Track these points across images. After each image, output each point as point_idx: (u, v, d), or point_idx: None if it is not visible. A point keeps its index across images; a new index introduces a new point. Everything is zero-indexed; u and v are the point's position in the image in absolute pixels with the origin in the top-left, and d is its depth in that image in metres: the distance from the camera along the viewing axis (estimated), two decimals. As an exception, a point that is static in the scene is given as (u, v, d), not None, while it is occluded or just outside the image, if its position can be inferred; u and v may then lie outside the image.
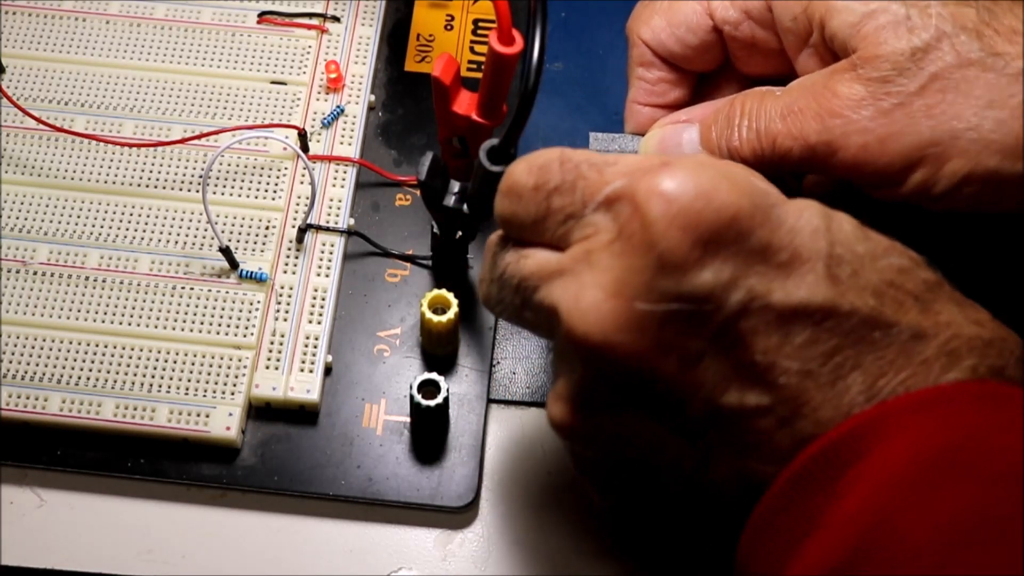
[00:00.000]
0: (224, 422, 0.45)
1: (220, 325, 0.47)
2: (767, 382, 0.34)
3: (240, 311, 0.47)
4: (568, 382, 0.36)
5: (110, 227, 0.49)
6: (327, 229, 0.49)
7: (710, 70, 0.46)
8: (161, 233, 0.49)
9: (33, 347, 0.46)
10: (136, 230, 0.49)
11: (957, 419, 0.33)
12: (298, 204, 0.50)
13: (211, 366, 0.46)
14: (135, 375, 0.46)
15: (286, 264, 0.48)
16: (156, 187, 0.50)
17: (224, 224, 0.49)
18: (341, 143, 0.51)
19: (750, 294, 0.33)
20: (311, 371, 0.47)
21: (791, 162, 0.41)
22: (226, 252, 0.47)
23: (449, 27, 0.55)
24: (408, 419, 0.46)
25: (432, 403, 0.44)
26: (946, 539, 0.30)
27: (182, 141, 0.50)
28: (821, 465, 0.33)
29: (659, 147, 0.44)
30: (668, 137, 0.44)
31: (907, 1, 0.40)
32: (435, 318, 0.45)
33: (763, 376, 0.34)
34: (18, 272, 0.48)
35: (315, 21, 0.53)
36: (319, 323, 0.47)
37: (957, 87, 0.39)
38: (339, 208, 0.50)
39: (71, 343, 0.46)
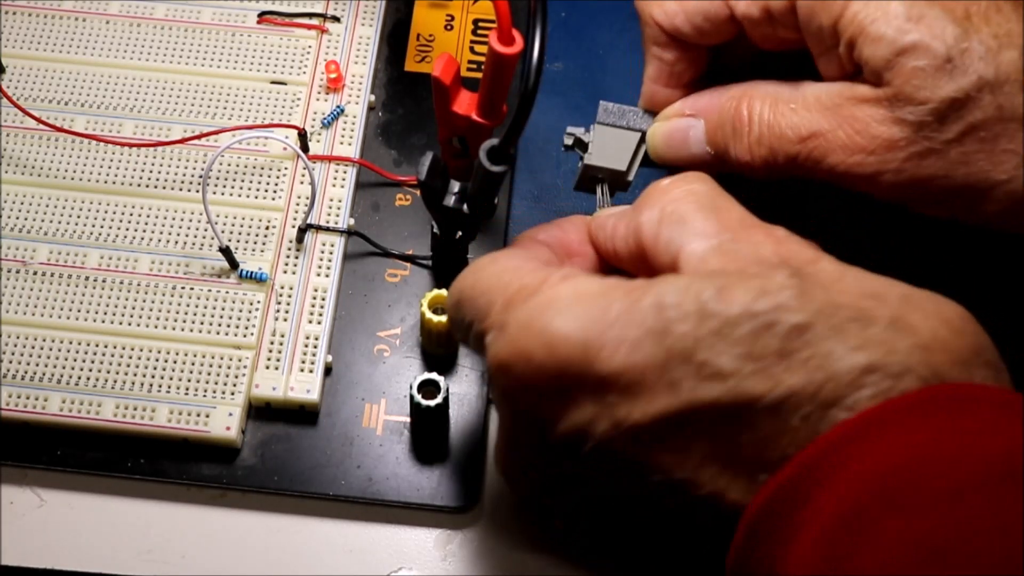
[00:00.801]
0: (224, 422, 0.45)
1: (220, 325, 0.47)
2: (668, 487, 0.34)
3: (240, 311, 0.47)
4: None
5: (110, 227, 0.49)
6: (327, 229, 0.49)
7: (725, 41, 0.45)
8: (161, 233, 0.49)
9: (33, 347, 0.46)
10: (136, 230, 0.49)
11: (879, 449, 0.31)
12: (298, 204, 0.50)
13: (211, 366, 0.46)
14: (135, 375, 0.46)
15: (286, 264, 0.48)
16: (156, 187, 0.50)
17: (224, 224, 0.49)
18: (341, 143, 0.51)
19: (611, 424, 0.34)
20: (311, 371, 0.47)
21: (810, 176, 0.40)
22: (226, 252, 0.47)
23: (449, 27, 0.55)
24: (408, 419, 0.46)
25: (432, 403, 0.44)
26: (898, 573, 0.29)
27: (182, 141, 0.50)
28: (759, 529, 0.32)
29: (665, 143, 0.44)
30: (674, 134, 0.44)
31: (948, 38, 0.37)
32: (435, 318, 0.45)
33: (662, 482, 0.34)
34: (18, 272, 0.48)
35: (315, 21, 0.53)
36: (319, 323, 0.47)
37: (996, 140, 0.38)
38: (339, 208, 0.50)
39: (71, 343, 0.46)
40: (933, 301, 0.33)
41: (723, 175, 0.41)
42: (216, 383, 0.46)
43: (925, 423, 0.31)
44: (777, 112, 0.40)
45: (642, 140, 0.46)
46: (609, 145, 0.46)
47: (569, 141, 0.47)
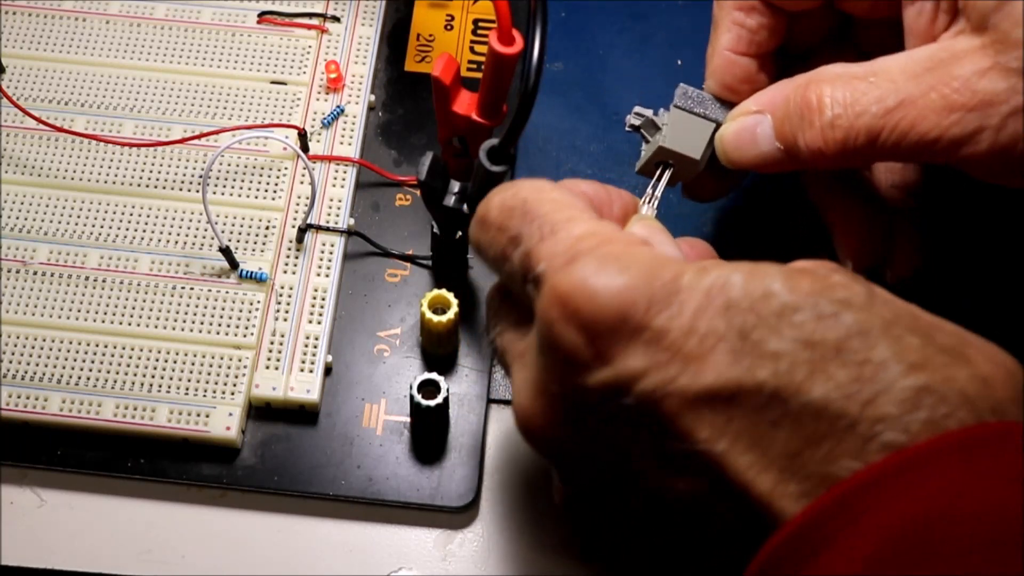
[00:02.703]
0: (224, 422, 0.45)
1: (220, 325, 0.47)
2: (693, 464, 0.33)
3: (240, 311, 0.47)
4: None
5: (110, 227, 0.49)
6: (327, 229, 0.49)
7: (808, 8, 0.43)
8: (161, 233, 0.49)
9: (33, 347, 0.46)
10: (136, 230, 0.49)
11: (921, 489, 0.30)
12: (298, 204, 0.50)
13: (211, 366, 0.46)
14: (135, 375, 0.46)
15: (286, 264, 0.48)
16: (156, 187, 0.50)
17: (224, 224, 0.49)
18: (341, 143, 0.51)
19: (656, 382, 0.33)
20: (311, 371, 0.47)
21: (888, 156, 0.38)
22: (226, 252, 0.47)
23: (449, 27, 0.55)
24: (408, 419, 0.46)
25: (432, 403, 0.44)
26: None
27: (182, 141, 0.50)
28: (786, 555, 0.31)
29: (734, 143, 0.42)
30: (742, 133, 0.42)
31: None
32: (435, 318, 0.45)
33: (689, 459, 0.33)
34: (18, 272, 0.48)
35: (315, 21, 0.53)
36: (319, 323, 0.47)
37: None
38: (339, 208, 0.50)
39: (71, 343, 0.46)
40: (987, 344, 0.33)
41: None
42: (216, 383, 0.46)
43: (982, 464, 0.30)
44: (854, 89, 0.38)
45: (715, 133, 0.44)
46: (685, 131, 0.44)
47: (636, 122, 0.45)
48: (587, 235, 0.35)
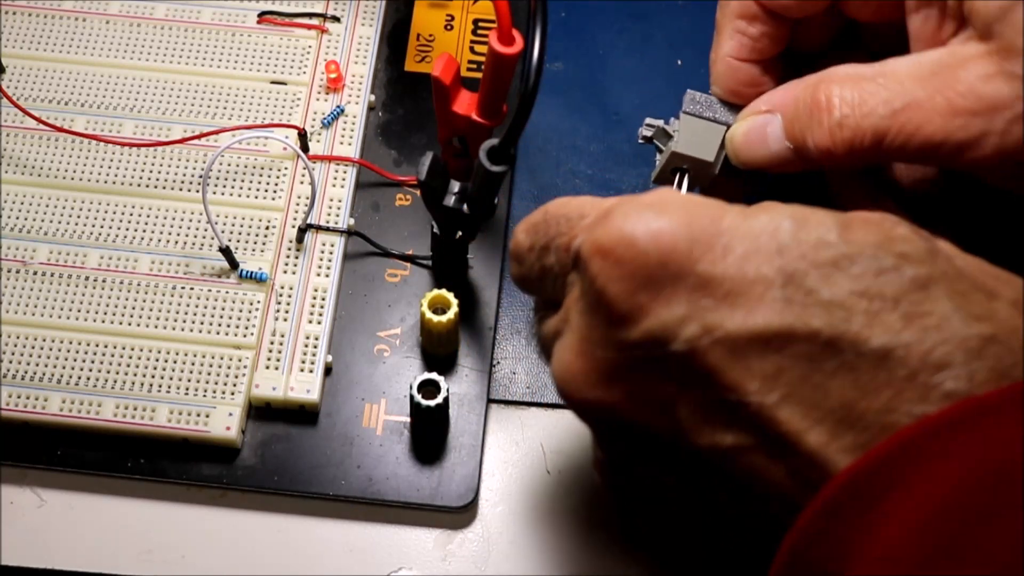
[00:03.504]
0: (224, 422, 0.45)
1: (220, 325, 0.47)
2: (740, 419, 0.32)
3: (240, 311, 0.47)
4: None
5: (110, 227, 0.49)
6: (327, 229, 0.49)
7: (810, 14, 0.44)
8: (161, 233, 0.49)
9: (33, 347, 0.46)
10: (136, 230, 0.49)
11: (997, 435, 0.29)
12: (298, 204, 0.50)
13: (211, 366, 0.46)
14: (135, 375, 0.46)
15: (286, 264, 0.48)
16: (156, 187, 0.50)
17: (224, 224, 0.49)
18: (341, 143, 0.51)
19: (702, 329, 0.32)
20: (311, 371, 0.47)
21: (894, 157, 0.38)
22: (226, 252, 0.47)
23: (449, 27, 0.55)
24: (408, 419, 0.46)
25: (432, 403, 0.44)
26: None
27: (182, 141, 0.50)
28: (846, 500, 0.30)
29: (744, 142, 0.42)
30: (751, 133, 0.42)
31: None
32: (435, 318, 0.45)
33: (735, 413, 0.32)
34: (18, 272, 0.48)
35: (315, 21, 0.53)
36: (319, 323, 0.47)
37: None
38: (339, 208, 0.50)
39: (71, 343, 0.46)
40: None
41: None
42: (216, 383, 0.46)
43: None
44: (863, 90, 0.38)
45: (726, 135, 0.44)
46: (697, 134, 0.44)
47: (648, 132, 0.45)
48: (616, 202, 0.34)
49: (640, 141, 0.46)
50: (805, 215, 0.32)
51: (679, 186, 0.44)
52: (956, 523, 0.28)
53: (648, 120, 0.45)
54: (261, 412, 0.47)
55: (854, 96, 0.38)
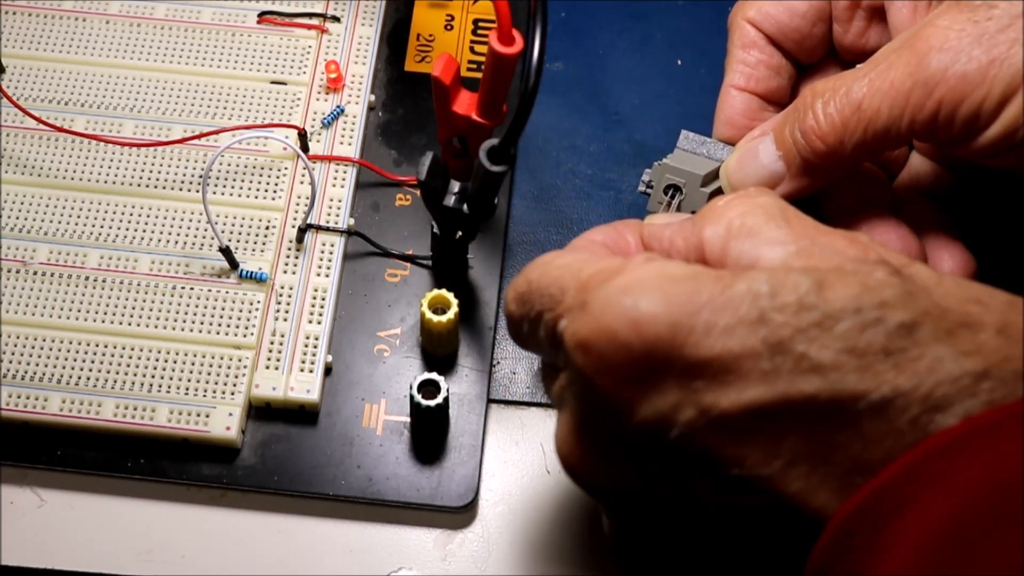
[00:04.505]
0: (224, 422, 0.45)
1: (220, 325, 0.47)
2: (748, 487, 0.32)
3: (240, 311, 0.47)
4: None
5: (110, 227, 0.49)
6: (327, 229, 0.49)
7: (812, 61, 0.45)
8: (161, 233, 0.49)
9: (33, 347, 0.46)
10: (136, 230, 0.49)
11: (997, 453, 0.29)
12: (298, 204, 0.50)
13: (211, 366, 0.46)
14: (135, 375, 0.46)
15: (286, 264, 0.48)
16: (156, 187, 0.50)
17: (224, 224, 0.49)
18: (341, 143, 0.51)
19: (697, 412, 0.32)
20: (311, 371, 0.47)
21: (880, 129, 0.38)
22: (226, 252, 0.47)
23: (449, 27, 0.55)
24: (408, 419, 0.46)
25: (432, 403, 0.44)
26: None
27: (182, 141, 0.50)
28: (854, 529, 0.31)
29: (737, 166, 0.43)
30: (744, 156, 0.43)
31: None
32: (435, 318, 0.45)
33: (744, 482, 0.32)
34: (18, 272, 0.48)
35: (315, 21, 0.53)
36: (319, 323, 0.47)
37: None
38: (339, 208, 0.50)
39: (71, 343, 0.46)
40: None
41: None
42: (216, 383, 0.46)
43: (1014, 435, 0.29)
44: (841, 76, 0.40)
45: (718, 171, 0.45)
46: (688, 159, 0.45)
47: (647, 178, 0.46)
48: (593, 275, 0.34)
49: (639, 193, 0.46)
50: (780, 279, 0.32)
51: (667, 207, 0.45)
52: (961, 541, 0.28)
53: (644, 176, 0.46)
54: (261, 412, 0.47)
55: (835, 82, 0.40)
